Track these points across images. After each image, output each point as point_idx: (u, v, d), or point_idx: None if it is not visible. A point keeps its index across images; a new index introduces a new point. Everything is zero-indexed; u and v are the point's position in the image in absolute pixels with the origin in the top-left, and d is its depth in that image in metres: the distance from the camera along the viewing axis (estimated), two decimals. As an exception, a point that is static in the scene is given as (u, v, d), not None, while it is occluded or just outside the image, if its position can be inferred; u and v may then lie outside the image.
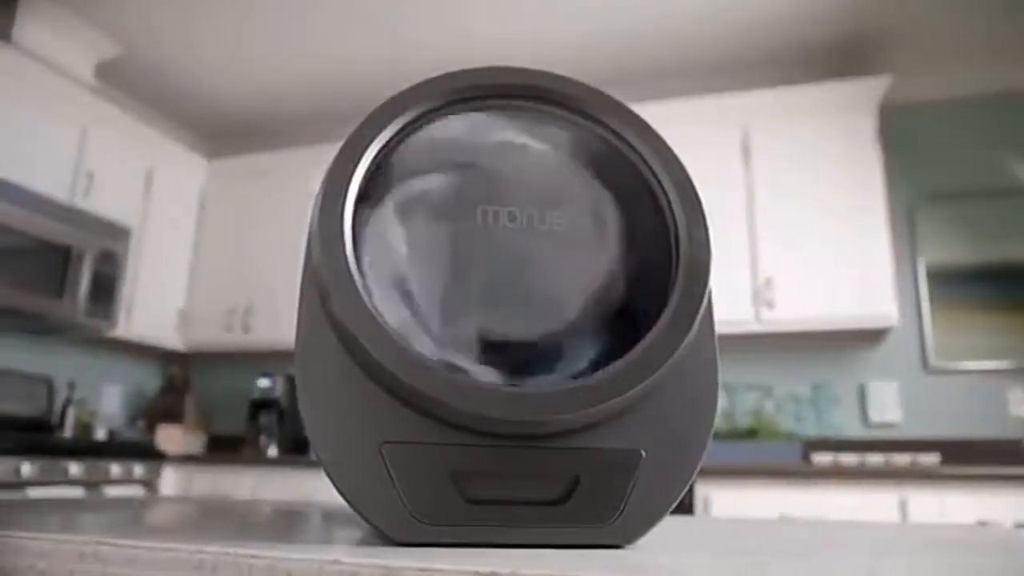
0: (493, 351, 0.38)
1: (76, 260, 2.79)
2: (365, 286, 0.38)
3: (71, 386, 3.11)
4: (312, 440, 0.37)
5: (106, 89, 3.34)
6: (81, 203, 2.90)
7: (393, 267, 0.38)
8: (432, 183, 0.41)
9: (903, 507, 2.16)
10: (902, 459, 2.37)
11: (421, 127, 0.42)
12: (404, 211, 0.40)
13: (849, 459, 2.38)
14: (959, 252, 2.85)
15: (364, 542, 0.38)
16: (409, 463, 0.36)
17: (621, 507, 0.38)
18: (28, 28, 2.82)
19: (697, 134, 2.87)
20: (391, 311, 0.37)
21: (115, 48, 3.13)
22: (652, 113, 2.89)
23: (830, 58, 3.06)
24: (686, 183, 0.43)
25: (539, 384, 0.37)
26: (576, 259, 0.40)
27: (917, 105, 3.01)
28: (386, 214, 0.40)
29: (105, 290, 2.91)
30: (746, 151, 2.86)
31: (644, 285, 0.40)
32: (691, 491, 2.32)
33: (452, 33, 2.99)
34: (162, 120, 3.78)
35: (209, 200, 3.67)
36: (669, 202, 0.42)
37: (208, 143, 4.05)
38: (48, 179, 2.78)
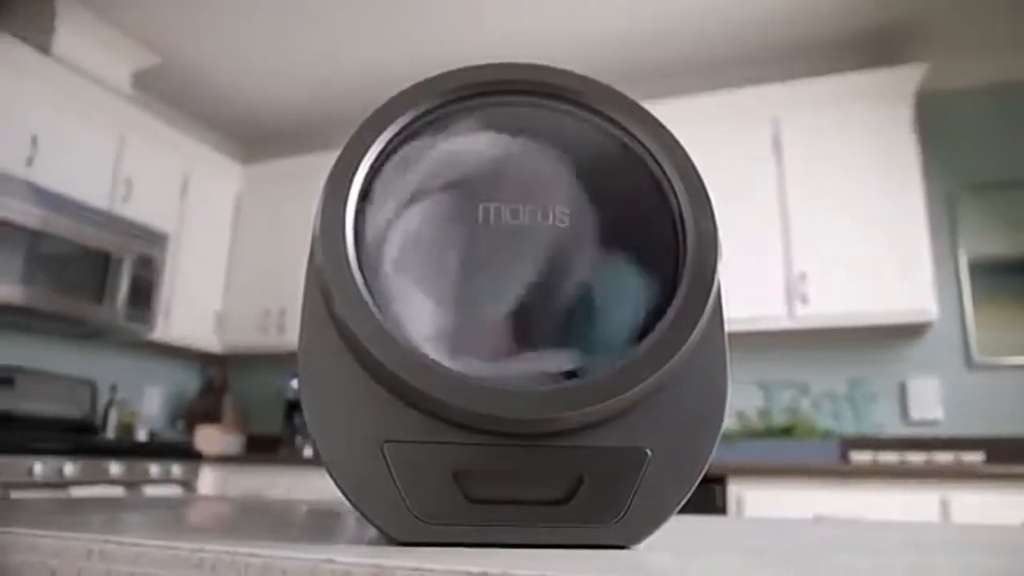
0: (496, 349, 0.37)
1: (115, 265, 2.86)
2: (367, 286, 0.38)
3: (113, 388, 3.19)
4: (315, 439, 0.37)
5: (142, 97, 3.42)
6: (120, 209, 2.98)
7: (395, 266, 0.38)
8: (433, 182, 0.40)
9: (945, 507, 2.10)
10: (944, 458, 2.31)
11: (422, 126, 0.42)
12: (405, 210, 0.40)
13: (889, 458, 2.32)
14: (1002, 244, 2.75)
15: (370, 541, 0.38)
16: (411, 462, 0.36)
17: (626, 507, 0.37)
18: (67, 40, 2.90)
19: (727, 128, 2.84)
20: (393, 311, 0.37)
21: (151, 57, 3.21)
22: (682, 109, 2.86)
23: (862, 48, 2.99)
24: (692, 174, 0.42)
25: (542, 382, 0.37)
26: (580, 255, 0.40)
27: (954, 93, 2.93)
28: (388, 214, 0.40)
29: (144, 294, 2.98)
30: (777, 144, 2.81)
31: (650, 279, 0.40)
32: (723, 491, 2.28)
33: (479, 33, 3.00)
34: (197, 126, 3.86)
35: (244, 204, 3.74)
36: (675, 194, 0.42)
37: (243, 148, 4.12)
38: (87, 186, 2.86)
